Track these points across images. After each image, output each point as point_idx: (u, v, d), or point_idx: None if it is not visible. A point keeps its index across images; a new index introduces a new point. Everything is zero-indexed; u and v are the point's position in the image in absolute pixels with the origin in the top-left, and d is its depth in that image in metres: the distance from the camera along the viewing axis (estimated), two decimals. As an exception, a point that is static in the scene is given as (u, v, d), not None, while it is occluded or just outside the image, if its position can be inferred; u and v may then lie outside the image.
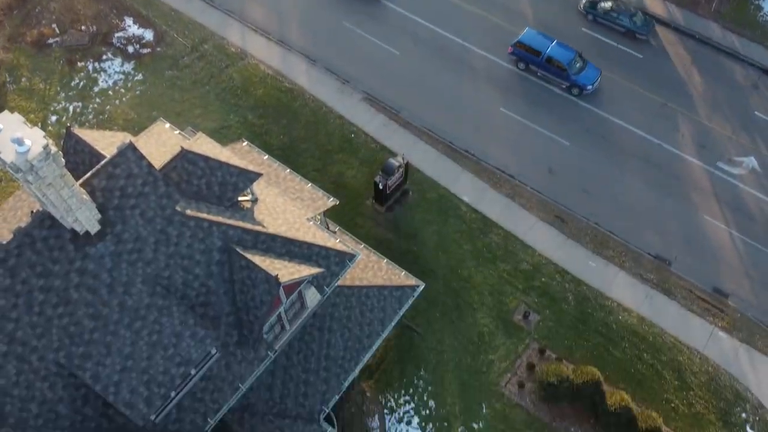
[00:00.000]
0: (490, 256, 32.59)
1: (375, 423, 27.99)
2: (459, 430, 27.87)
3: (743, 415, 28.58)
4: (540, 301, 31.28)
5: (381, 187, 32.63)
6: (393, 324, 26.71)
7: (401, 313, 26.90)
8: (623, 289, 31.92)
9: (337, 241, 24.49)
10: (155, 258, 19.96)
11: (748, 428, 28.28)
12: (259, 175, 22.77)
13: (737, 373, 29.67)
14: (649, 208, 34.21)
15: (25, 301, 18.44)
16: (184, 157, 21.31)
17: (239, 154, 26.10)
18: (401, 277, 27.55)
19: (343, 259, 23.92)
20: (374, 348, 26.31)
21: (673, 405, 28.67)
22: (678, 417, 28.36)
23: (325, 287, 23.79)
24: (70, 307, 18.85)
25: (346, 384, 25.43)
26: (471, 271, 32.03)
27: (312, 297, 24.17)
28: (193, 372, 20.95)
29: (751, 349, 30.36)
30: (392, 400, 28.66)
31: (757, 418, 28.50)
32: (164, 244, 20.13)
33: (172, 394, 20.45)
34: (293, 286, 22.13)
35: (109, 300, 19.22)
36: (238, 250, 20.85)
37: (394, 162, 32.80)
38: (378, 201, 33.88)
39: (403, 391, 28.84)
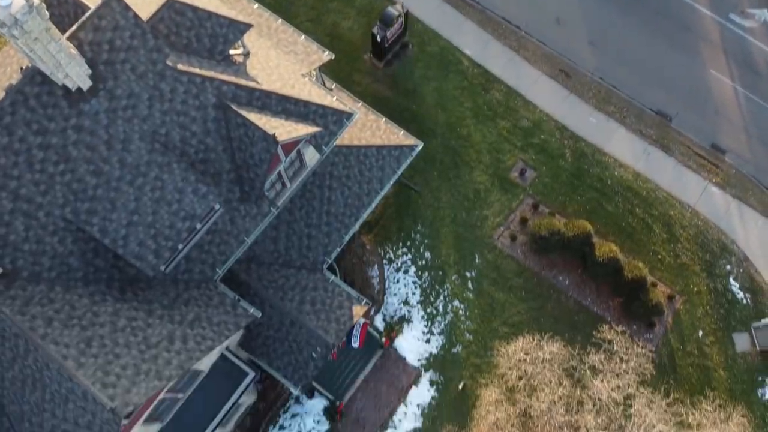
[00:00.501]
0: (490, 114, 32.27)
1: (374, 272, 29.47)
2: (453, 278, 29.41)
3: (727, 267, 29.97)
4: (537, 158, 31.50)
5: (379, 39, 31.45)
6: (391, 183, 27.14)
7: (399, 172, 27.21)
8: (622, 145, 32.01)
9: (334, 98, 24.14)
10: (150, 115, 19.82)
11: (731, 279, 29.79)
12: (249, 26, 21.88)
13: (726, 227, 30.66)
14: (655, 62, 33.24)
15: (26, 159, 18.61)
16: (171, 6, 20.33)
17: (227, 3, 24.85)
18: (400, 136, 27.51)
19: (341, 117, 23.73)
20: (373, 205, 26.97)
21: (659, 256, 29.97)
22: (663, 267, 29.78)
23: (323, 146, 23.85)
24: (70, 164, 19.06)
25: (347, 238, 26.42)
26: (470, 129, 31.89)
27: (311, 156, 24.34)
28: (198, 226, 21.68)
29: (742, 204, 31.10)
30: (390, 252, 29.93)
31: (741, 270, 29.92)
32: (158, 100, 19.88)
33: (180, 246, 21.34)
34: (291, 145, 22.19)
35: (109, 157, 19.38)
36: (233, 107, 20.63)
37: (393, 11, 31.30)
38: (376, 55, 32.84)
39: (401, 244, 30.03)
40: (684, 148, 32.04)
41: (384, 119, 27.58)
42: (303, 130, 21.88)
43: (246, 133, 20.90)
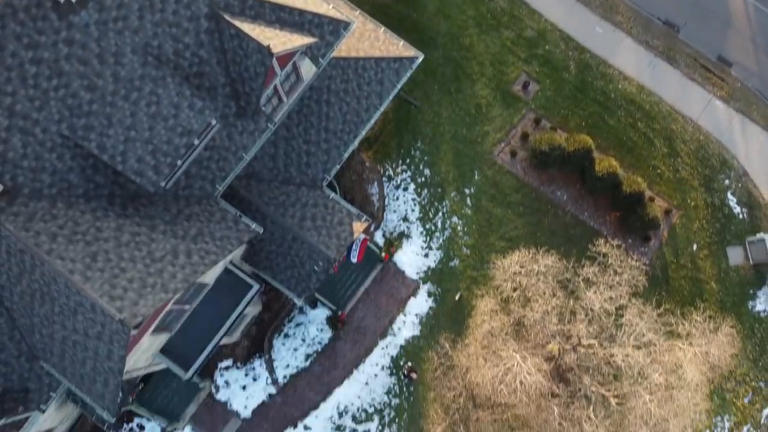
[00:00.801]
0: (494, 23, 31.23)
1: (374, 189, 29.62)
2: (452, 194, 29.60)
3: (726, 182, 30.05)
4: (541, 71, 30.83)
5: (377, -56, 30.00)
6: (390, 97, 26.68)
7: (399, 86, 26.70)
8: (627, 57, 31.25)
9: (330, 6, 23.28)
10: (142, 26, 19.24)
11: (729, 194, 29.95)
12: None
13: (727, 142, 30.49)
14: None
15: (18, 75, 18.25)
16: None
17: None
18: (399, 47, 26.78)
19: (338, 27, 23.01)
20: (372, 121, 26.67)
21: (659, 171, 30.00)
22: (662, 182, 29.88)
23: (320, 58, 23.29)
24: (63, 78, 18.73)
25: (346, 155, 26.35)
26: (473, 39, 30.96)
27: (307, 69, 23.80)
28: (196, 142, 21.57)
29: (745, 119, 30.75)
30: (390, 169, 29.94)
31: (740, 185, 30.02)
32: (149, 11, 19.24)
33: (179, 162, 21.34)
34: (287, 57, 21.65)
35: (102, 71, 19.01)
36: (226, 17, 19.98)
37: None
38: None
39: (400, 161, 29.98)
40: (690, 60, 31.29)
41: (383, 29, 26.76)
42: (299, 41, 21.29)
43: (240, 45, 20.36)
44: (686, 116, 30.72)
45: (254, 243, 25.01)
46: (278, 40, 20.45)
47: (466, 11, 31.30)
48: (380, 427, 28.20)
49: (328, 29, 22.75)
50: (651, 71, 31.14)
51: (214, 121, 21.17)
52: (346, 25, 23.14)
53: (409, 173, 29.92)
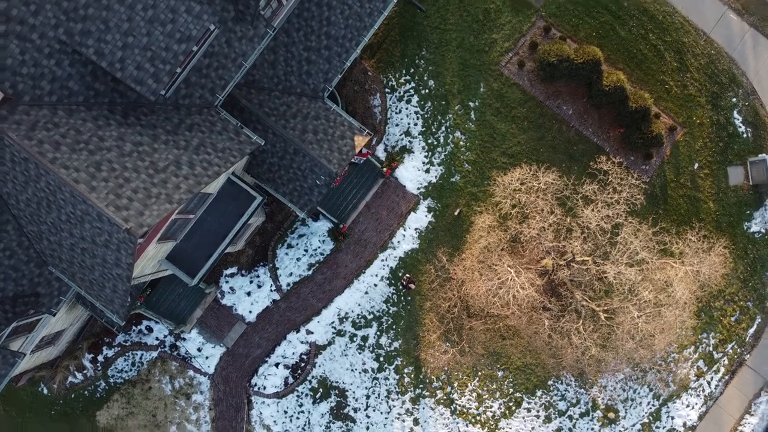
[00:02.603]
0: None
1: (376, 101, 29.15)
2: (456, 107, 29.20)
3: (733, 99, 29.57)
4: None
5: None
6: (390, 8, 25.64)
7: (406, -9, 25.68)
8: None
9: None
10: (136, -75, 18.21)
11: (735, 112, 29.57)
12: None
13: (738, 57, 29.67)
14: None
15: (9, -25, 17.50)
16: None
17: None
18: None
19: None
20: (376, 26, 25.78)
21: (667, 86, 29.43)
22: (669, 98, 29.40)
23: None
24: (56, -19, 17.95)
25: (348, 63, 25.71)
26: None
27: (310, -29, 22.76)
28: (194, 49, 20.98)
29: (758, 34, 29.74)
30: (393, 79, 29.32)
31: (746, 104, 29.58)
32: None
33: (178, 70, 20.87)
34: (289, -40, 20.65)
35: (96, -26, 18.19)
36: None
37: None
38: None
39: (404, 71, 29.30)
40: (710, -32, 29.82)
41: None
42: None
43: (240, -53, 19.37)
44: (699, 29, 29.70)
45: (256, 155, 25.00)
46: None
47: None
48: (378, 333, 29.54)
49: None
50: (670, -21, 29.76)
51: (212, 27, 20.48)
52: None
53: (412, 84, 29.32)
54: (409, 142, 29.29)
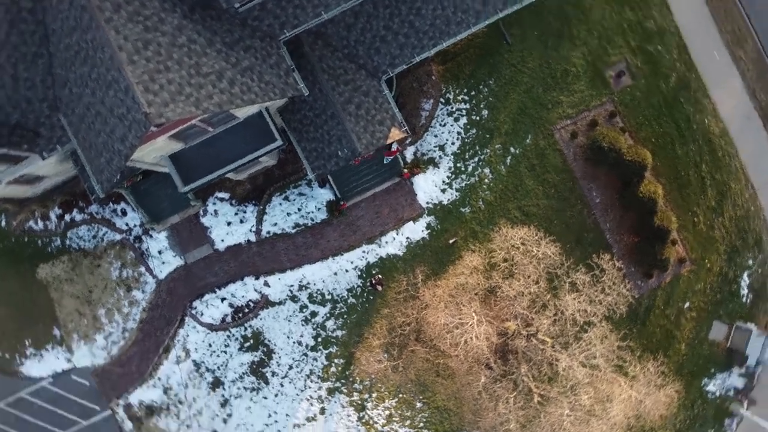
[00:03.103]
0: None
1: (427, 105, 29.04)
2: (496, 146, 29.09)
3: (750, 261, 29.49)
4: (642, 68, 29.22)
5: None
6: (487, 22, 25.51)
7: (501, 15, 25.42)
8: (728, 96, 29.56)
9: None
10: None
11: (745, 274, 29.46)
12: None
13: (774, 223, 29.65)
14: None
15: None
16: None
17: None
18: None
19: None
20: (458, 37, 25.70)
21: (696, 219, 29.35)
22: (693, 231, 29.32)
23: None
24: None
25: (418, 58, 25.61)
26: (599, 2, 29.02)
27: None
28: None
29: (804, 214, 29.71)
30: (452, 93, 29.19)
31: (760, 271, 29.48)
32: None
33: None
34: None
35: None
36: None
37: None
38: None
39: (465, 90, 29.17)
40: (787, 130, 29.70)
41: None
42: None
43: None
44: (750, 181, 29.64)
45: (295, 101, 24.93)
46: None
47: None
48: (328, 315, 29.59)
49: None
50: (743, 123, 29.61)
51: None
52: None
53: (467, 106, 29.21)
54: (440, 157, 29.20)
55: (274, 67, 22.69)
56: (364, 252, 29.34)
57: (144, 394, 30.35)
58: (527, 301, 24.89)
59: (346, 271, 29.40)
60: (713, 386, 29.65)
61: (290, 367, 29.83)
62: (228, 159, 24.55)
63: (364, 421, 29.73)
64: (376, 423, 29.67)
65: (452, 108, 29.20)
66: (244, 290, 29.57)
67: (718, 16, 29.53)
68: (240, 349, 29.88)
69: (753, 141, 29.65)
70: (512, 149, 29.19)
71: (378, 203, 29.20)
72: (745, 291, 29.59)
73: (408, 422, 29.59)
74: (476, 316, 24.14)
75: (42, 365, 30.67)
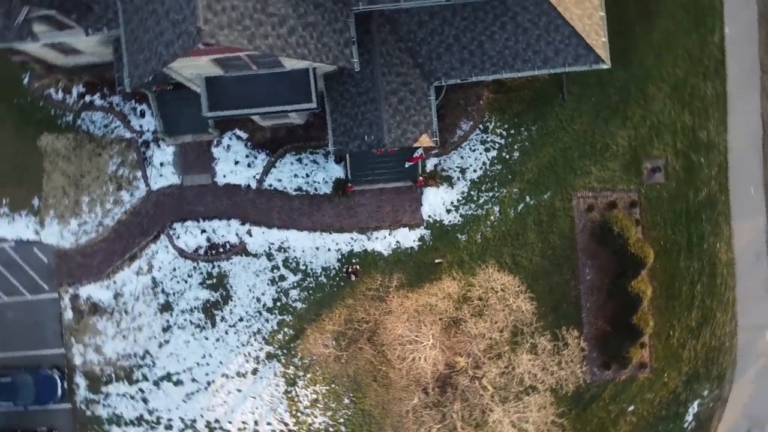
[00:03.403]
0: (685, 99, 29.07)
1: (465, 126, 29.02)
2: (514, 190, 29.04)
3: (705, 392, 29.13)
4: (678, 172, 29.11)
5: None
6: (553, 71, 25.65)
7: (567, 70, 25.54)
8: (747, 232, 29.39)
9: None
10: None
11: (696, 402, 29.09)
12: None
13: (741, 366, 29.32)
14: None
15: None
16: None
17: None
18: (599, 42, 25.25)
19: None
20: (520, 74, 25.81)
21: (671, 333, 29.22)
22: (664, 343, 29.14)
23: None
24: None
25: (474, 79, 25.63)
26: (658, 94, 28.94)
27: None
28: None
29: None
30: (492, 123, 29.16)
31: (711, 405, 29.13)
32: None
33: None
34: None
35: None
36: None
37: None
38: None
39: (506, 126, 29.16)
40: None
41: (602, 14, 25.08)
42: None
43: None
44: (736, 318, 29.56)
45: (343, 73, 24.89)
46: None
47: (678, 68, 29.07)
48: (295, 284, 29.55)
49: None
50: (753, 261, 29.48)
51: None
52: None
53: (502, 141, 29.18)
54: (458, 178, 29.19)
55: (336, 33, 22.67)
56: (352, 239, 29.32)
57: (94, 292, 30.33)
58: (485, 345, 24.91)
59: (329, 250, 29.38)
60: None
61: (241, 319, 29.82)
62: (259, 102, 24.55)
63: (289, 396, 29.72)
64: (300, 402, 29.66)
65: (487, 137, 29.19)
66: (226, 230, 29.54)
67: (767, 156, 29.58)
68: (201, 284, 29.86)
69: (754, 282, 29.59)
70: (528, 198, 29.17)
71: (383, 198, 29.18)
72: (690, 418, 29.51)
73: (330, 413, 29.59)
74: (432, 340, 24.16)
75: (10, 227, 30.67)
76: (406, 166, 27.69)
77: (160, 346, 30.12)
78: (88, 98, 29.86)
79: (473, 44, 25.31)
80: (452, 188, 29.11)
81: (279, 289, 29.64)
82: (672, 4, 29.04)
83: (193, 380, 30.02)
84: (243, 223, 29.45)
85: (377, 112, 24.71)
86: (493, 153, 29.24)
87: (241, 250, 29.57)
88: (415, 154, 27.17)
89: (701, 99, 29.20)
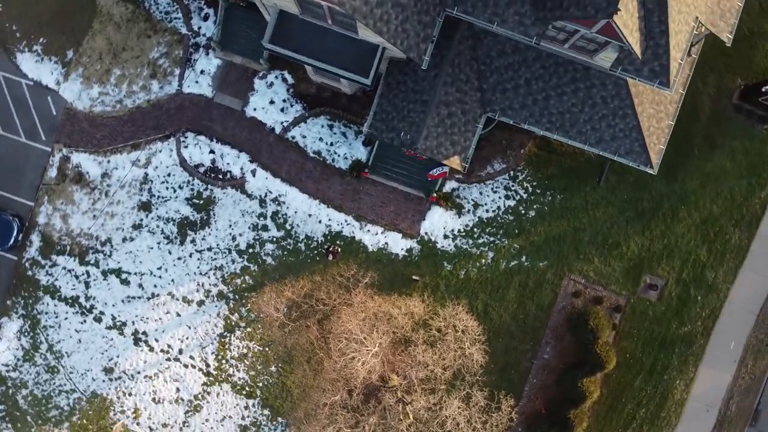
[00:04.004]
0: (711, 238, 28.94)
1: (497, 166, 28.78)
2: (515, 245, 28.82)
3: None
4: (673, 298, 29.04)
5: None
6: (600, 153, 25.49)
7: (615, 158, 25.44)
8: (709, 381, 29.41)
9: (681, 62, 21.51)
10: None
11: None
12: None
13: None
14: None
15: None
16: None
17: None
18: (655, 147, 25.08)
19: (664, 76, 21.46)
20: (569, 142, 25.59)
21: (600, 441, 29.13)
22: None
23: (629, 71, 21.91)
24: None
25: (526, 126, 25.40)
26: (690, 222, 28.97)
27: (609, 55, 22.23)
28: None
29: None
30: (523, 175, 28.93)
31: None
32: None
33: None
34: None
35: None
36: None
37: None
38: (748, 97, 28.64)
39: (535, 183, 28.96)
40: (728, 448, 29.53)
41: (671, 123, 25.01)
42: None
43: None
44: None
45: (408, 65, 24.61)
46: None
47: (716, 204, 29.00)
48: (274, 239, 29.19)
49: (656, 63, 21.29)
50: (701, 409, 29.43)
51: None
52: (666, 83, 21.62)
53: (524, 196, 28.93)
54: (468, 211, 28.92)
55: (420, 24, 22.30)
56: (346, 221, 29.00)
57: (86, 162, 29.90)
58: (424, 375, 24.61)
59: (319, 222, 29.05)
60: None
61: (210, 249, 29.44)
62: (319, 56, 24.15)
63: (223, 340, 29.34)
64: (230, 351, 29.29)
65: (512, 186, 28.94)
66: (233, 161, 29.18)
67: (760, 325, 29.45)
68: (187, 200, 29.48)
69: (694, 429, 29.47)
70: (524, 258, 28.93)
71: (390, 197, 28.87)
72: None
73: (252, 373, 29.22)
74: (378, 349, 23.82)
75: (35, 67, 30.19)
76: (429, 178, 27.42)
77: (124, 240, 29.70)
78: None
79: (541, 94, 25.04)
80: (459, 217, 28.82)
81: (257, 237, 29.28)
82: (737, 145, 29.03)
83: (140, 286, 29.61)
84: (252, 161, 29.08)
85: (423, 115, 24.42)
86: (511, 203, 29.00)
87: (239, 185, 29.21)
88: (440, 170, 26.90)
89: (724, 243, 29.14)
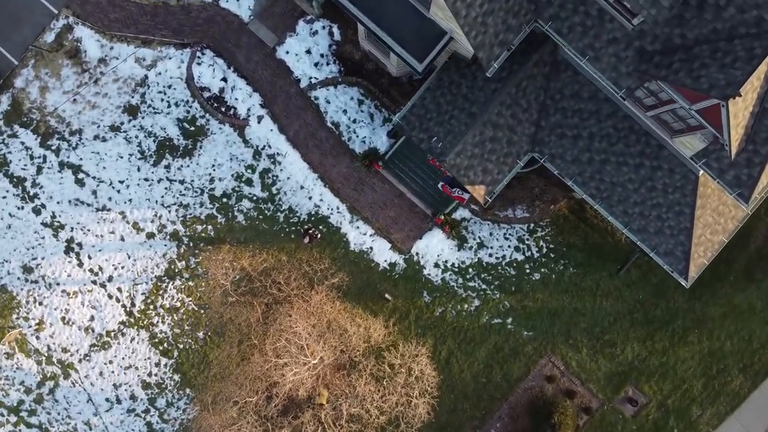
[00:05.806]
0: (712, 374, 26.13)
1: (519, 213, 25.65)
2: (506, 301, 25.82)
3: None
4: (647, 423, 26.19)
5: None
6: (633, 239, 22.81)
7: (650, 253, 22.72)
8: None
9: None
10: None
11: None
12: None
13: None
14: None
15: None
16: None
17: None
18: (699, 260, 22.20)
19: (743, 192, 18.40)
20: (608, 217, 22.84)
21: None
22: None
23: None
24: None
25: (569, 182, 22.31)
26: (696, 350, 26.10)
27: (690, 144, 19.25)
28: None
29: None
30: (542, 233, 25.91)
31: None
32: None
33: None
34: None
35: None
36: None
37: None
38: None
39: (552, 246, 25.91)
40: None
41: (724, 240, 22.34)
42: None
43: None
44: None
45: (470, 66, 21.49)
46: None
47: (730, 340, 26.14)
48: (254, 198, 25.83)
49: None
50: None
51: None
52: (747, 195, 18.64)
53: (535, 254, 25.90)
54: (470, 247, 25.86)
55: (503, 25, 18.79)
56: (338, 208, 25.75)
57: (88, 40, 26.25)
58: (356, 411, 21.43)
59: (310, 198, 25.75)
60: None
61: (182, 182, 26.08)
62: (378, 19, 20.86)
63: (159, 284, 25.97)
64: (162, 298, 25.95)
65: (527, 239, 25.84)
66: (243, 97, 25.78)
67: None
68: (178, 120, 26.09)
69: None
70: (509, 320, 25.86)
71: (394, 201, 25.64)
72: None
73: (177, 331, 25.93)
74: (317, 362, 20.61)
75: None
76: (442, 190, 24.38)
77: (95, 138, 26.24)
78: None
79: (599, 156, 21.87)
80: (458, 250, 25.65)
81: (237, 189, 25.93)
82: (776, 288, 26.18)
83: (94, 193, 26.20)
84: (263, 106, 25.73)
85: (465, 128, 21.18)
86: (519, 257, 25.87)
87: (239, 125, 25.85)
88: (459, 193, 23.77)
89: (723, 383, 26.35)
